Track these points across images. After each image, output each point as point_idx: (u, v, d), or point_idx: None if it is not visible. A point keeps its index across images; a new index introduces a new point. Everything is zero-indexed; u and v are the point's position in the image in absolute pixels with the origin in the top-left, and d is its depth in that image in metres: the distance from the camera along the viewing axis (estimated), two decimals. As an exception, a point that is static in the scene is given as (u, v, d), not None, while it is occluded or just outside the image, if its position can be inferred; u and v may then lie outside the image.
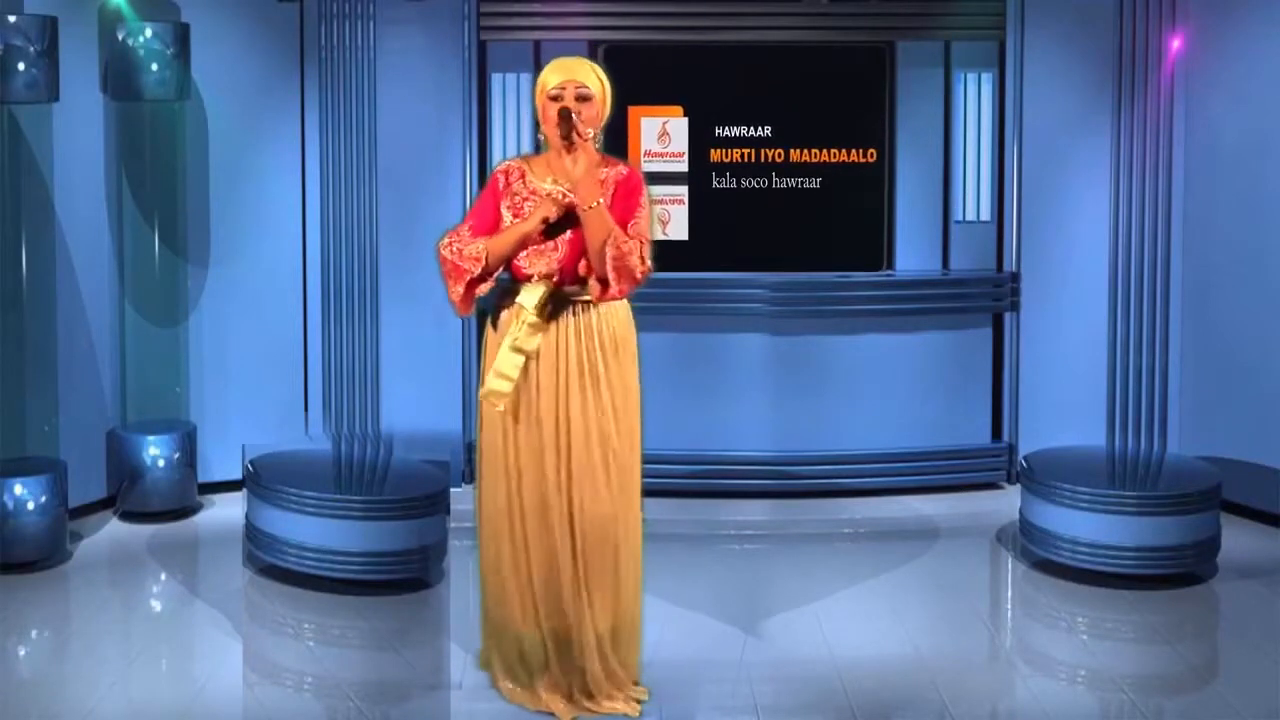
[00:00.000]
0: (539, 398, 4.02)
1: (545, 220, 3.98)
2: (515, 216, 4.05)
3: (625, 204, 4.01)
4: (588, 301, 4.04)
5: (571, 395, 4.01)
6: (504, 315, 4.08)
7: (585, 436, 4.02)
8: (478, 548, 4.24)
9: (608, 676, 4.12)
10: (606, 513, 4.05)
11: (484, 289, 4.07)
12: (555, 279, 4.02)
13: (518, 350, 3.99)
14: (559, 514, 4.04)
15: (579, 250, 4.00)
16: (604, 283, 3.95)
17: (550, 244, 4.02)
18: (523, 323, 3.99)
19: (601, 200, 3.93)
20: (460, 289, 4.02)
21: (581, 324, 4.02)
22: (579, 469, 4.03)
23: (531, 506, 4.06)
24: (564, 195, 3.98)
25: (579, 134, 3.93)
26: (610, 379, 4.04)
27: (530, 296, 4.00)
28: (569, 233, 4.01)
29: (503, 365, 4.00)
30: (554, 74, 4.05)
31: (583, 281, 4.03)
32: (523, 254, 4.02)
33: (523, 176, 4.11)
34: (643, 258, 3.95)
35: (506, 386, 4.00)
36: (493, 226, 4.06)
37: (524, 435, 4.05)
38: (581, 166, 3.93)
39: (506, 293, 4.09)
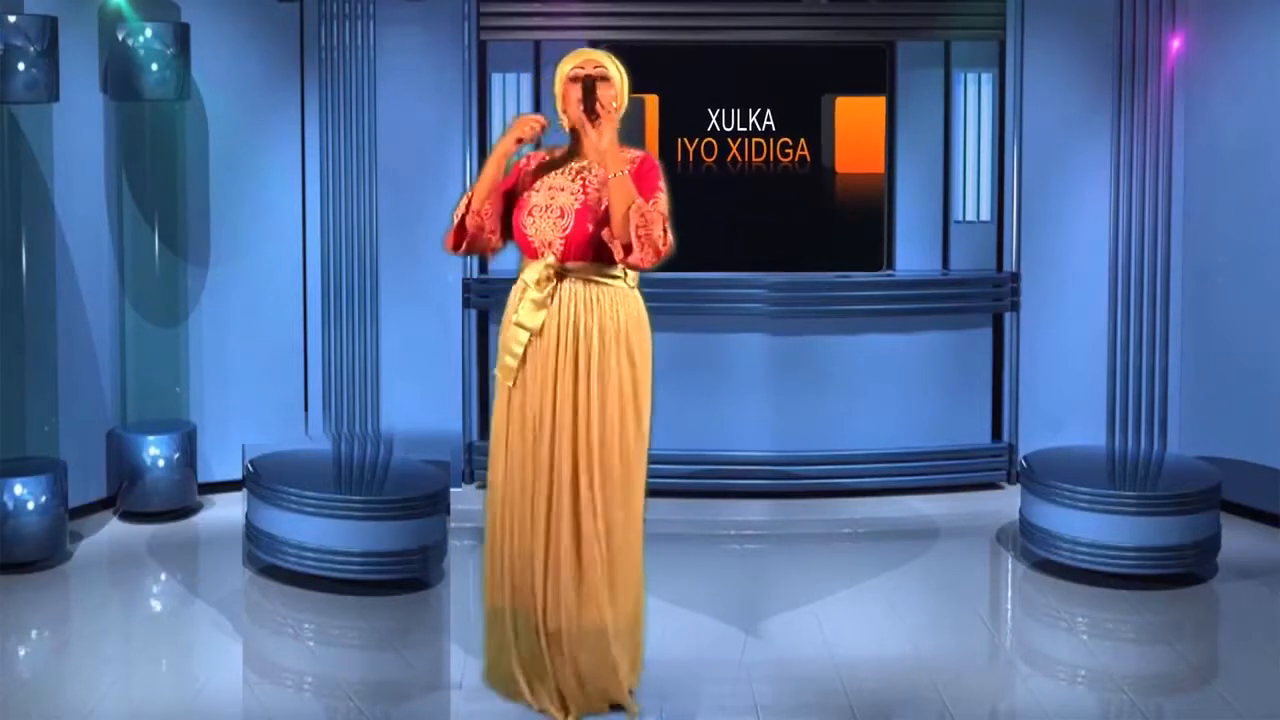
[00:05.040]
0: (530, 377, 4.01)
1: (519, 140, 4.01)
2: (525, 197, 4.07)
3: (642, 185, 3.97)
4: (595, 282, 4.01)
5: (562, 378, 3.98)
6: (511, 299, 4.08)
7: (573, 422, 3.98)
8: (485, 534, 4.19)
9: (580, 686, 4.04)
10: (592, 503, 3.99)
11: (478, 225, 4.03)
12: (560, 254, 3.99)
13: (520, 326, 4.01)
14: (544, 500, 3.99)
15: (585, 222, 3.98)
16: (627, 249, 3.90)
17: (557, 210, 4.01)
18: (525, 298, 4.00)
19: (627, 170, 3.92)
20: (451, 231, 4.08)
21: (583, 306, 4.00)
22: (563, 454, 3.98)
23: (521, 490, 4.02)
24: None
25: (602, 106, 3.93)
26: (606, 367, 3.99)
27: (532, 272, 4.01)
28: (577, 203, 4.00)
29: (508, 342, 4.03)
30: (571, 59, 4.09)
31: (590, 258, 3.99)
32: (530, 220, 4.02)
33: (529, 163, 4.13)
34: (665, 229, 3.94)
35: (512, 363, 4.02)
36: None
37: (516, 417, 4.04)
38: (608, 139, 3.92)
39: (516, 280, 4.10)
